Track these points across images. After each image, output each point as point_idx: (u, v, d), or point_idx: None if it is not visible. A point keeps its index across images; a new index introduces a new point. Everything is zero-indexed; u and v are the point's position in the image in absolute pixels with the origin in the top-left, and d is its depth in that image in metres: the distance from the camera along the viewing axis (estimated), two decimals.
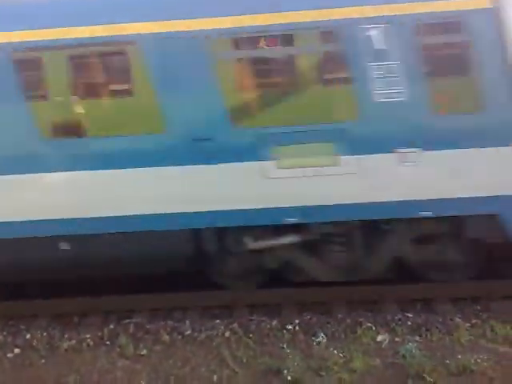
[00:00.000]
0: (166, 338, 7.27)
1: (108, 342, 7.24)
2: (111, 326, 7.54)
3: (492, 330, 6.91)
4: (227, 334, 7.26)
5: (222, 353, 6.89)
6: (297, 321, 7.35)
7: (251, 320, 7.48)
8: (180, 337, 7.29)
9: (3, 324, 7.71)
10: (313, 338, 7.02)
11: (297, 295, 7.71)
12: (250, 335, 7.18)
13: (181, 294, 7.94)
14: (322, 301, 7.65)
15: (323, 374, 6.37)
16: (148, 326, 7.49)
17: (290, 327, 7.24)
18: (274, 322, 7.37)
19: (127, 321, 7.64)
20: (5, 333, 7.53)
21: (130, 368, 6.77)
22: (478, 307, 7.42)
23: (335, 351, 6.74)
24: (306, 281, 7.73)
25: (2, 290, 8.08)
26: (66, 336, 7.37)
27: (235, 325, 7.39)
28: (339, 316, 7.38)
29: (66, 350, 7.15)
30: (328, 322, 7.27)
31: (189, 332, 7.36)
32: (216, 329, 7.36)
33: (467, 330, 6.94)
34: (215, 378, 6.51)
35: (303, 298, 7.69)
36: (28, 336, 7.42)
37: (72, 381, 6.58)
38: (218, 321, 7.53)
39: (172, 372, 6.65)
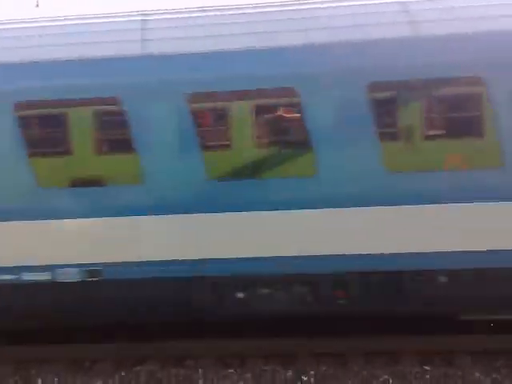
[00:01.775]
0: None
1: None
2: (123, 373, 7.41)
3: None
4: (240, 383, 7.11)
5: None
6: (312, 372, 7.18)
7: (265, 370, 7.32)
8: None
9: (15, 368, 7.62)
10: None
11: (312, 345, 7.55)
12: None
13: (193, 341, 7.82)
14: (338, 352, 7.48)
15: None
16: (159, 375, 7.36)
17: (305, 378, 7.08)
18: (289, 373, 7.21)
19: (139, 368, 7.53)
20: (16, 377, 7.44)
21: None
22: (499, 362, 7.19)
23: None
24: (323, 331, 7.60)
25: (15, 335, 8.04)
26: (78, 382, 7.27)
27: (248, 374, 7.24)
28: (355, 368, 7.19)
29: None
30: (344, 374, 7.08)
31: (201, 381, 7.21)
32: (229, 378, 7.22)
33: None
34: None
35: (319, 348, 7.52)
36: (39, 381, 7.32)
37: None
38: (230, 370, 7.39)
39: None
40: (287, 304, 7.14)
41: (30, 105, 7.03)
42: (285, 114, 7.03)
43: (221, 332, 7.83)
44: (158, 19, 7.46)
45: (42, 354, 7.76)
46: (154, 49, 7.07)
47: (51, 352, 7.78)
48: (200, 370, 7.40)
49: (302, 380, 7.07)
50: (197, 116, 6.98)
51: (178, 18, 7.47)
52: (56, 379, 7.33)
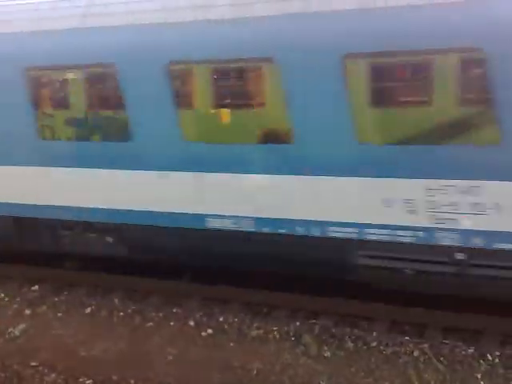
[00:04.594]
0: (351, 345, 7.10)
1: (293, 339, 7.31)
2: (297, 324, 7.59)
3: None
4: (416, 353, 6.84)
5: (408, 372, 6.52)
6: (497, 352, 6.63)
7: (444, 343, 6.94)
8: (365, 347, 7.07)
9: (200, 304, 8.25)
10: None
11: (501, 324, 6.94)
12: (441, 359, 6.68)
13: (370, 304, 7.69)
14: None
15: None
16: (333, 330, 7.40)
17: (488, 358, 6.56)
18: (471, 350, 6.75)
19: (313, 321, 7.64)
20: (201, 313, 8.04)
21: (311, 367, 6.74)
22: None
23: None
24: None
25: (204, 274, 8.67)
26: (255, 325, 7.61)
27: (426, 345, 6.93)
28: None
29: (253, 338, 7.40)
30: None
31: (374, 344, 7.09)
32: (404, 346, 6.98)
33: None
34: None
35: (508, 328, 6.89)
36: (221, 319, 7.82)
37: (256, 368, 6.76)
38: (406, 338, 7.14)
39: (354, 380, 6.46)
40: None
41: None
42: None
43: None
44: None
45: (225, 294, 8.28)
46: None
47: (233, 293, 8.26)
48: (374, 333, 7.27)
49: (484, 359, 6.55)
50: None
51: None
52: (236, 320, 7.77)
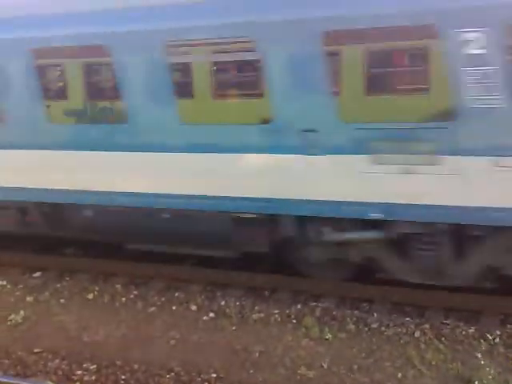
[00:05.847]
0: (352, 327, 7.14)
1: (295, 321, 7.34)
2: (299, 306, 7.63)
3: None
4: (417, 333, 6.88)
5: (409, 352, 6.55)
6: (498, 332, 6.66)
7: (445, 324, 6.98)
8: (366, 328, 7.10)
9: (202, 289, 8.29)
10: None
11: (501, 304, 6.97)
12: (442, 339, 6.71)
13: (371, 285, 7.71)
14: None
15: None
16: (334, 312, 7.43)
17: (489, 337, 6.60)
18: (471, 330, 6.78)
19: (314, 304, 7.67)
20: (203, 297, 8.08)
21: (313, 349, 6.77)
22: None
23: None
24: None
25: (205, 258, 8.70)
26: (257, 308, 7.66)
27: (427, 325, 6.96)
28: None
29: (254, 321, 7.43)
30: None
31: (375, 325, 7.12)
32: (405, 326, 7.02)
33: None
34: (399, 375, 6.21)
35: (508, 307, 6.92)
36: (222, 303, 7.86)
37: (258, 351, 6.80)
38: (407, 319, 7.17)
39: (355, 361, 6.50)
40: None
41: None
42: None
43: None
44: None
45: (226, 279, 8.30)
46: None
47: (234, 278, 8.28)
48: (375, 314, 7.31)
49: (485, 338, 6.59)
50: None
51: None
52: (237, 303, 7.81)
